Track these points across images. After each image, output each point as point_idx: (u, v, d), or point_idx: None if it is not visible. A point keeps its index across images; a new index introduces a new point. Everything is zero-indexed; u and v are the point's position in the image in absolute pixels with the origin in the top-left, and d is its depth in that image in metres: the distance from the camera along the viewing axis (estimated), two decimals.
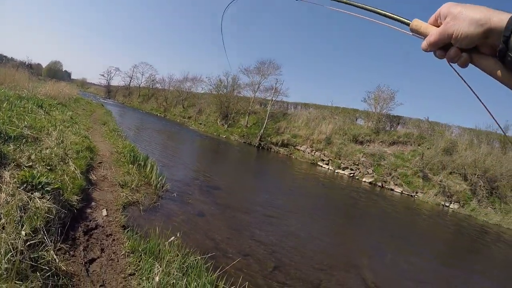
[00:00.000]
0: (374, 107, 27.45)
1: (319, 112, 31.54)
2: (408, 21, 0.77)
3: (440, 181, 19.33)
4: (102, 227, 4.67)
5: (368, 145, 25.10)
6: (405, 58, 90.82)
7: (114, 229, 4.68)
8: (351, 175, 23.06)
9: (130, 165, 8.57)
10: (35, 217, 3.72)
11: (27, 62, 34.70)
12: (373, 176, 21.99)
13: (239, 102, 37.10)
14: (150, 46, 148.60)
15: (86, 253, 3.91)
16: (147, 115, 44.06)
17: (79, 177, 5.55)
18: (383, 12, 0.85)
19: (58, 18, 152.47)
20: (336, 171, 23.86)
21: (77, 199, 4.82)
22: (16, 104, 8.54)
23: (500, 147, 21.23)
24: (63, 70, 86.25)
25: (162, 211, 6.57)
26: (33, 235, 3.35)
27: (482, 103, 0.74)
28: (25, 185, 4.20)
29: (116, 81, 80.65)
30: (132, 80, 73.09)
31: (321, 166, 24.91)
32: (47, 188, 4.30)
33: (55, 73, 64.12)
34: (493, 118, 0.74)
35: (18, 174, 4.33)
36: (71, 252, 3.78)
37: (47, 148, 5.97)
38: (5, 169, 4.42)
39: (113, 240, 4.41)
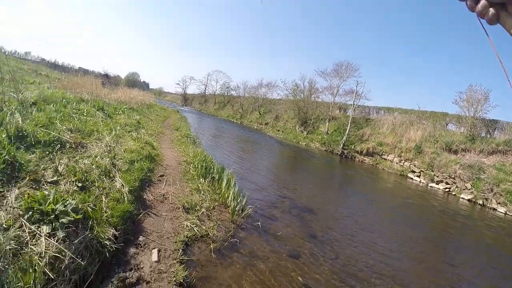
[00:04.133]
0: (467, 110, 25.79)
1: (405, 117, 30.37)
2: None
3: None
4: (147, 282, 3.23)
5: (464, 155, 23.31)
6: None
7: None
8: (447, 190, 21.22)
9: (201, 179, 7.34)
10: (30, 269, 2.44)
11: (103, 72, 38.24)
12: (472, 192, 19.92)
13: (318, 108, 37.26)
14: (223, 54, 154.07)
15: None
16: (224, 122, 46.05)
17: (125, 198, 4.30)
18: None
19: (138, 31, 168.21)
20: (429, 184, 22.12)
21: (113, 235, 3.48)
22: (69, 106, 7.94)
23: None
24: (141, 80, 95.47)
25: (242, 250, 5.04)
26: None
27: (503, 68, 0.84)
28: (30, 213, 2.96)
29: (192, 90, 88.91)
30: (207, 88, 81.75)
31: (412, 179, 23.32)
32: (63, 220, 2.99)
33: (133, 83, 70.90)
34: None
35: (28, 194, 3.12)
36: None
37: (89, 157, 4.86)
38: (14, 186, 3.29)
39: None
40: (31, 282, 2.41)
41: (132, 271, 3.43)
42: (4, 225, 2.71)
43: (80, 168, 4.36)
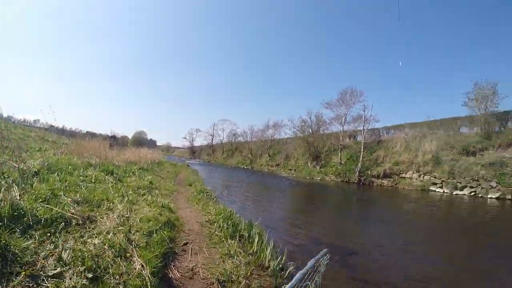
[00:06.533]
0: (477, 109, 26.75)
1: (417, 131, 31.31)
2: None
3: None
4: None
5: (482, 154, 23.89)
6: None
7: None
8: (472, 194, 21.38)
9: (229, 241, 6.42)
10: None
11: (110, 134, 38.71)
12: (499, 190, 20.22)
13: (328, 139, 38.18)
14: (227, 101, 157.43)
15: None
16: (234, 170, 46.93)
17: (148, 284, 3.42)
18: None
19: (138, 93, 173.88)
20: (453, 193, 22.26)
21: None
22: (75, 173, 7.33)
23: None
24: (149, 138, 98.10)
25: None
26: None
27: None
28: None
29: (199, 142, 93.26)
30: (214, 138, 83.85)
31: (434, 191, 23.49)
32: None
33: (141, 142, 72.49)
34: None
35: None
36: None
37: (99, 234, 4.07)
38: (7, 285, 2.50)
39: None
40: None
41: None
42: None
43: (90, 252, 3.56)
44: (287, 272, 5.64)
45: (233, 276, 4.81)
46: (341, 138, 35.97)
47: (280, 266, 5.81)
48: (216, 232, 7.07)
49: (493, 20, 75.00)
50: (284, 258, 6.08)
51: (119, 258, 3.79)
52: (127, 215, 5.49)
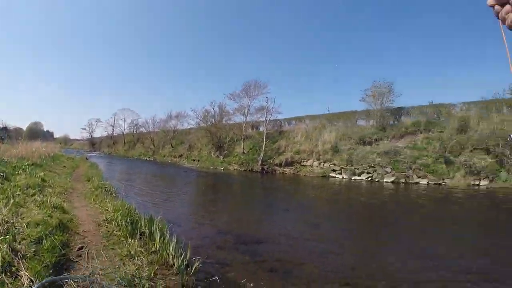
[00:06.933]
0: (374, 105, 29.50)
1: (317, 122, 33.50)
2: None
3: (464, 161, 20.51)
4: None
5: (378, 144, 26.71)
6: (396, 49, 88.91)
7: None
8: (369, 179, 23.94)
9: (129, 240, 6.19)
10: None
11: (1, 126, 33.66)
12: (393, 175, 22.83)
13: (231, 130, 39.29)
14: (130, 92, 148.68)
15: None
16: (136, 162, 46.09)
17: None
18: None
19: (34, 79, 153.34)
20: (352, 178, 24.65)
21: None
22: None
23: None
24: (45, 130, 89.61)
25: None
26: None
27: None
28: None
29: (99, 133, 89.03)
30: (114, 129, 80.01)
31: (334, 177, 25.65)
32: None
33: (36, 134, 65.49)
34: None
35: None
36: None
37: None
38: None
39: None
40: None
41: None
42: None
43: None
44: (193, 269, 5.58)
45: (135, 279, 4.68)
46: (244, 128, 36.88)
47: (186, 263, 5.72)
48: (114, 232, 6.76)
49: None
50: (188, 254, 6.03)
51: (2, 274, 3.42)
52: (12, 221, 4.96)
